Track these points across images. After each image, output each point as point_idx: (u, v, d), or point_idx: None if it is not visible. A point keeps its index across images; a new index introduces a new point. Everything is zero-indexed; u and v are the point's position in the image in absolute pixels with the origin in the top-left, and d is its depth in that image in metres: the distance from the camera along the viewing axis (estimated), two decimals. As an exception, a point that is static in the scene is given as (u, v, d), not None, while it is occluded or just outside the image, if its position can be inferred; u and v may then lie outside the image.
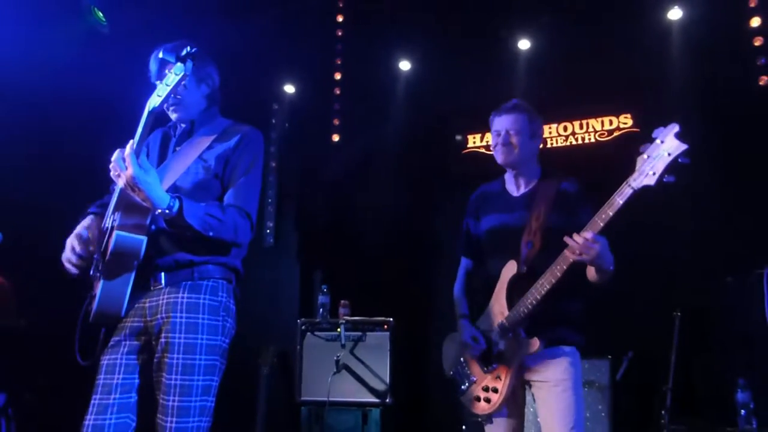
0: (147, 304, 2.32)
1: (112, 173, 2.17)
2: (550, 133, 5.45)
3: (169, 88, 2.17)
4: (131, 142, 2.16)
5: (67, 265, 2.41)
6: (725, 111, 4.73)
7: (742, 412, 3.97)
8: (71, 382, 3.17)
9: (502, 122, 2.84)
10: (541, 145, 2.92)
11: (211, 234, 2.25)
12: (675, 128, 2.32)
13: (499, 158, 2.84)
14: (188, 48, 2.17)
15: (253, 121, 2.60)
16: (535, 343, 2.60)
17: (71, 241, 2.41)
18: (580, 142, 5.40)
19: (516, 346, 2.65)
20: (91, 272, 2.37)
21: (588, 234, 2.41)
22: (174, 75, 2.16)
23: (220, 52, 2.61)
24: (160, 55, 2.21)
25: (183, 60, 2.16)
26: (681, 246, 4.64)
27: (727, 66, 4.83)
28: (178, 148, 2.48)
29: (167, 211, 2.16)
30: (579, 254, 2.43)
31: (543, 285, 2.56)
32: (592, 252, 2.40)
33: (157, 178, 2.19)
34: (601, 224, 2.40)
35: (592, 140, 5.35)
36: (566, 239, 2.45)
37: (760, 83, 4.73)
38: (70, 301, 2.60)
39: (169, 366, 2.21)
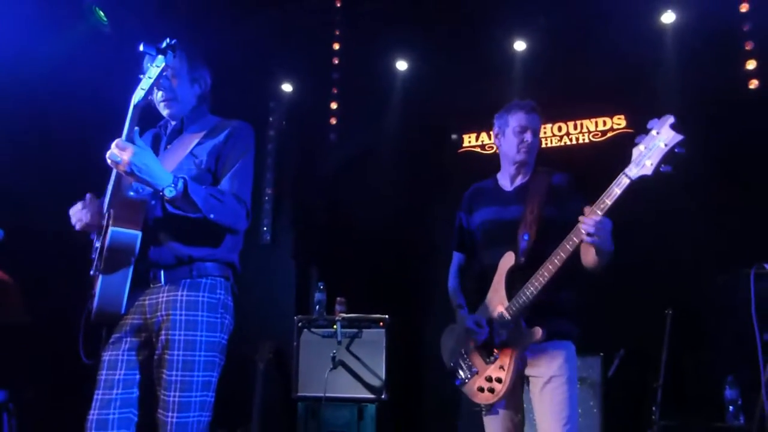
0: (147, 302, 2.36)
1: (109, 162, 2.16)
2: (544, 133, 5.50)
3: (151, 81, 2.18)
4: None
5: (75, 221, 2.47)
6: (717, 112, 4.77)
7: (731, 408, 4.03)
8: (72, 378, 3.22)
9: (530, 121, 2.89)
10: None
11: (212, 216, 2.25)
12: (670, 119, 2.34)
13: (522, 156, 2.88)
14: (168, 40, 2.19)
15: (250, 119, 2.61)
16: (538, 332, 2.63)
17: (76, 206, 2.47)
18: (574, 142, 5.45)
19: (518, 336, 2.68)
20: (91, 272, 2.40)
21: (596, 216, 2.45)
22: (155, 67, 2.18)
23: (219, 50, 2.66)
24: (141, 48, 2.19)
25: (163, 52, 2.17)
26: (673, 245, 4.69)
27: (719, 69, 4.88)
28: (168, 146, 2.51)
29: (172, 188, 2.16)
30: (592, 235, 2.45)
31: (543, 274, 2.61)
32: (604, 232, 2.44)
33: (155, 157, 2.19)
34: (600, 213, 2.44)
35: (587, 141, 5.41)
36: (581, 218, 2.47)
37: (750, 86, 4.80)
38: (70, 298, 2.64)
39: (169, 362, 2.25)
